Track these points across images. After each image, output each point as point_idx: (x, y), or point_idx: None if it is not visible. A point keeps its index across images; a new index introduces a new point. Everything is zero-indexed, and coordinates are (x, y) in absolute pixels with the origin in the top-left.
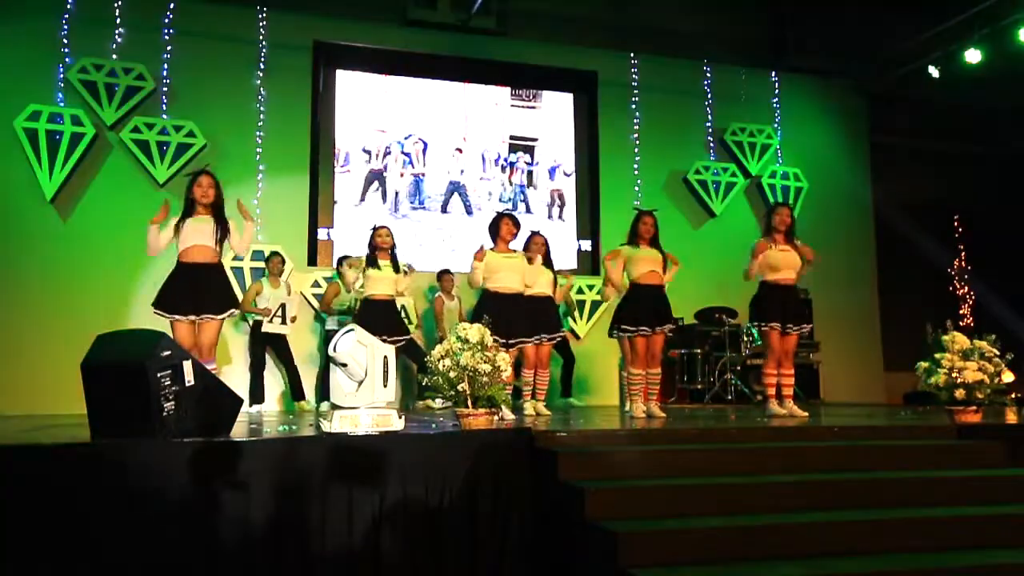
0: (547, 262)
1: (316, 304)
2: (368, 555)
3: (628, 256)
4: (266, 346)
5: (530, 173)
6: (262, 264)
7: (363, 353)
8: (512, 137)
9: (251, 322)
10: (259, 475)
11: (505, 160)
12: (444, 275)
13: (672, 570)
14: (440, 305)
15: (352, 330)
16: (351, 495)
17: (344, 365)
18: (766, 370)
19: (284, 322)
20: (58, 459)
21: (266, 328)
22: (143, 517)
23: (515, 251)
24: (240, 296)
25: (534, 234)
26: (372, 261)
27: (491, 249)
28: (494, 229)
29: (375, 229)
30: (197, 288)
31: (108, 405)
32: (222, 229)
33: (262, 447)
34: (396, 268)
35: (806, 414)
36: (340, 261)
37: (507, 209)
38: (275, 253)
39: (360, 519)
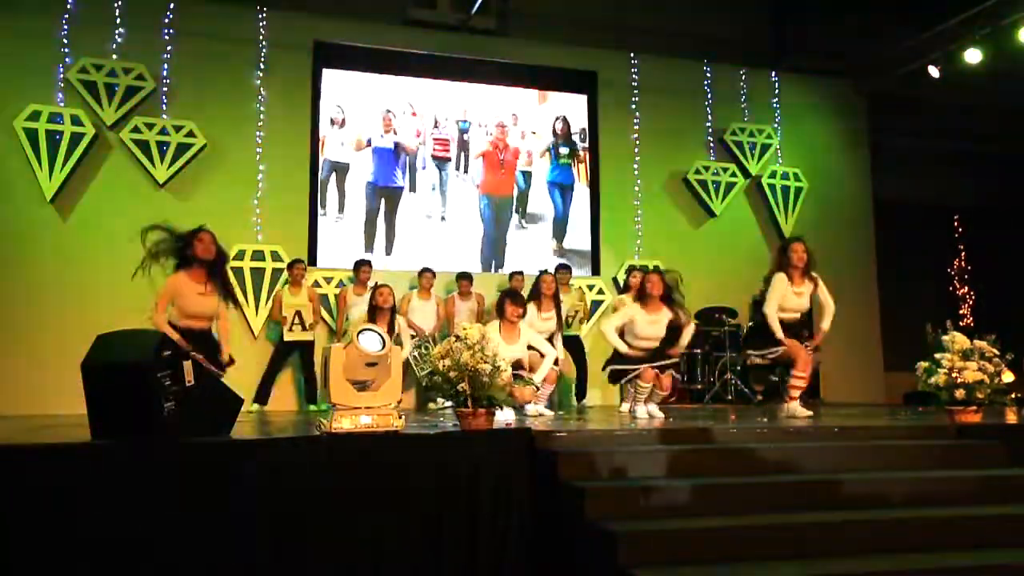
0: (555, 301)
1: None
2: (368, 555)
3: (631, 317)
4: (290, 352)
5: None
6: (261, 264)
7: (387, 350)
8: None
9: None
10: (259, 475)
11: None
12: (461, 278)
13: (672, 570)
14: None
15: (368, 329)
16: (351, 495)
17: (374, 364)
18: (797, 372)
19: (304, 328)
20: (58, 459)
21: (288, 337)
22: (143, 517)
23: (518, 327)
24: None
25: (543, 273)
26: (372, 318)
27: (497, 322)
28: (500, 309)
29: (376, 288)
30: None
31: (108, 405)
32: (222, 295)
33: (262, 447)
34: (391, 330)
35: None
36: (357, 265)
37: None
38: (297, 260)
39: (360, 519)
